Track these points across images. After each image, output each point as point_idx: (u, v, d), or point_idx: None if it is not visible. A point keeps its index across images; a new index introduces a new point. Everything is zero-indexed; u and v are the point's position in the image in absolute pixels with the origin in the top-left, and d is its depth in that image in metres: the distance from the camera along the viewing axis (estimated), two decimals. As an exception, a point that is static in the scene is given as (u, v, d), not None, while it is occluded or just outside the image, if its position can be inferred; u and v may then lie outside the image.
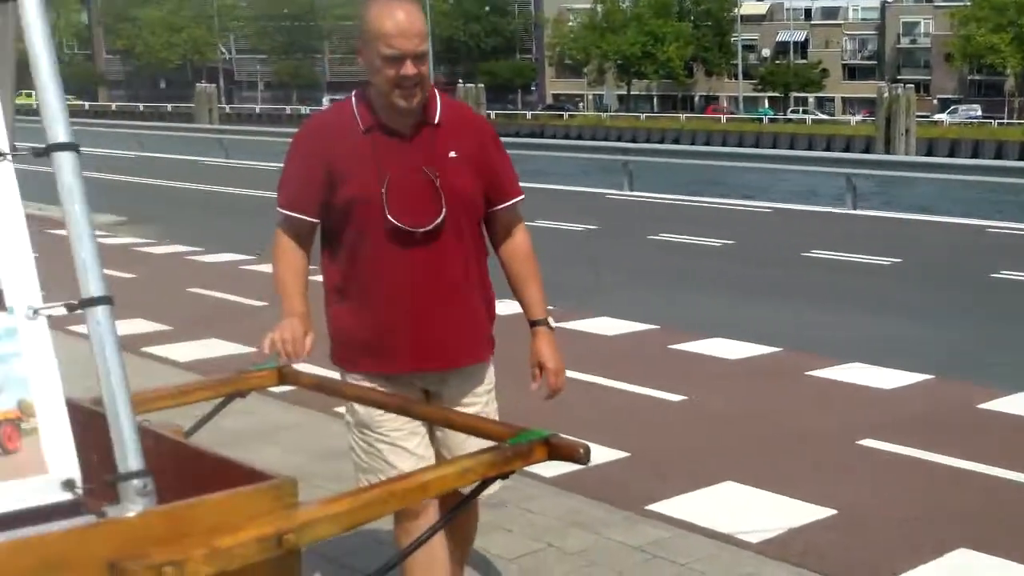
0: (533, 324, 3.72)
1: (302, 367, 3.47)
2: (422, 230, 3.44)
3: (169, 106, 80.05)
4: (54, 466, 2.20)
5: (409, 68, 3.31)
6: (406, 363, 3.53)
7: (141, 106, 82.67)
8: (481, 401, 3.70)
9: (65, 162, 2.22)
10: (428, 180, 3.45)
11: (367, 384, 3.53)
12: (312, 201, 3.53)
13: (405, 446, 3.55)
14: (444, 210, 3.46)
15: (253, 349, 9.54)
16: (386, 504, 2.45)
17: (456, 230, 3.52)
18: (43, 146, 2.22)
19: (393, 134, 3.46)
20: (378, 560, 4.76)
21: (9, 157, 2.27)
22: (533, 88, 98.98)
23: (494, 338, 3.80)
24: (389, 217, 3.41)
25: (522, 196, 3.71)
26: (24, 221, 2.27)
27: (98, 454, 2.34)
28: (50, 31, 2.23)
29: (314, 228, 3.63)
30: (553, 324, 3.71)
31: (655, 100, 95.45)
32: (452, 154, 3.49)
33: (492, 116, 62.15)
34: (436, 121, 3.50)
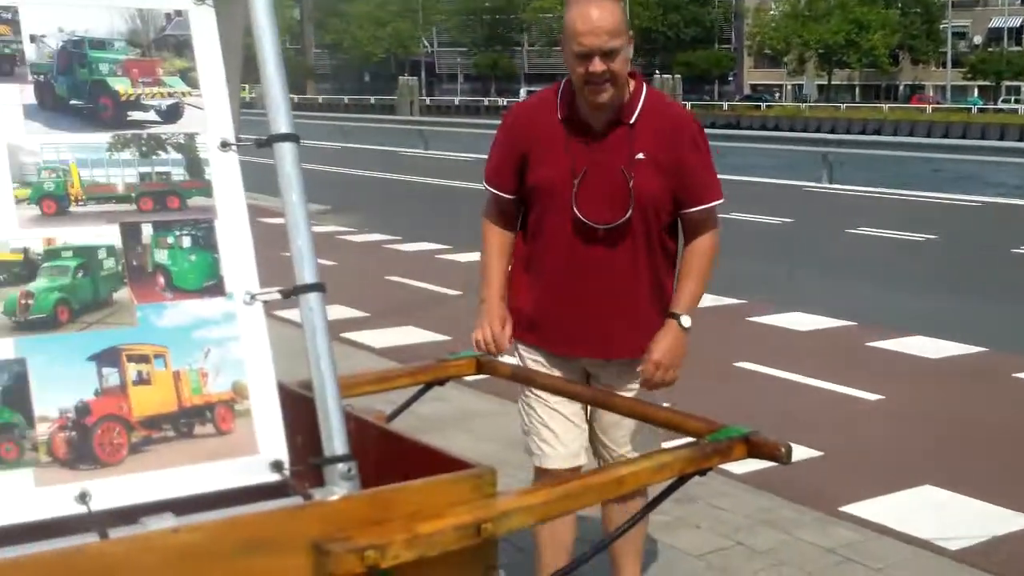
0: (668, 315, 3.65)
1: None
2: (605, 227, 3.54)
3: (372, 98, 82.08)
4: (264, 447, 2.28)
5: (596, 65, 3.37)
6: (560, 345, 3.68)
7: (346, 99, 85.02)
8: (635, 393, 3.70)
9: (286, 152, 2.31)
10: (620, 180, 3.51)
11: (533, 356, 3.74)
12: (508, 179, 3.70)
13: (559, 409, 3.73)
14: (630, 211, 3.52)
15: (448, 337, 9.74)
16: (582, 497, 2.46)
17: (636, 230, 3.57)
18: (265, 137, 2.31)
19: (587, 129, 3.55)
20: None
21: (235, 147, 2.37)
22: (730, 78, 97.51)
23: None
24: (575, 209, 3.52)
25: (718, 201, 3.65)
26: (246, 210, 2.36)
27: (302, 436, 2.41)
28: (277, 27, 2.32)
29: (515, 205, 3.76)
30: (687, 324, 3.59)
31: (856, 90, 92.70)
32: (640, 156, 3.52)
33: (688, 107, 61.48)
34: (631, 121, 3.54)
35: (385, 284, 12.46)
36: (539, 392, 3.71)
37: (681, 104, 3.94)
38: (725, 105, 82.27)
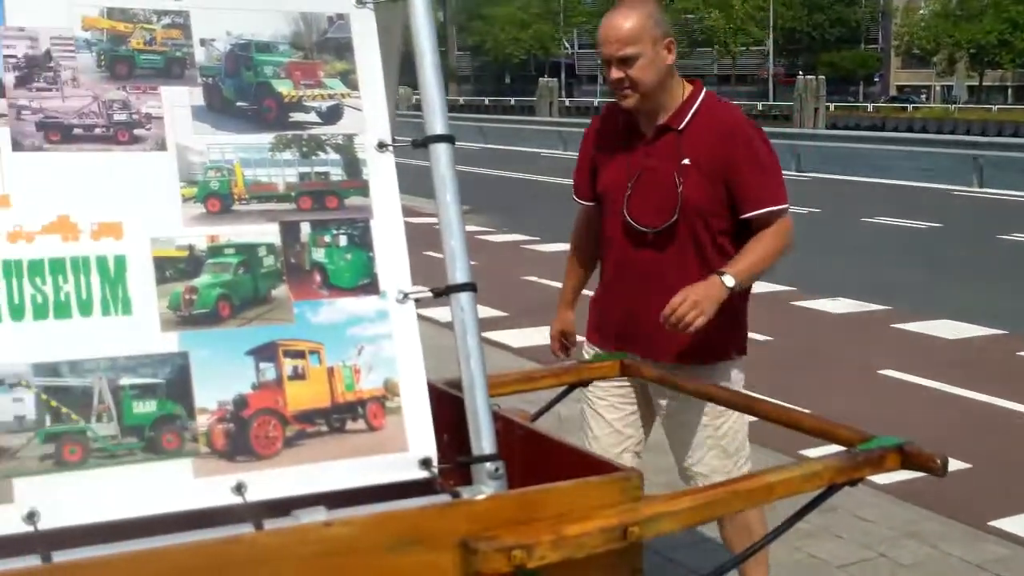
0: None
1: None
2: (652, 231, 3.60)
3: (512, 100, 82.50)
4: (414, 445, 2.31)
5: (613, 72, 3.52)
6: (613, 345, 3.75)
7: (487, 100, 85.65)
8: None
9: (441, 153, 2.35)
10: (669, 184, 3.56)
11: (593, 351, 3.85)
12: (586, 186, 3.87)
13: (604, 415, 3.87)
14: (676, 215, 3.55)
15: (583, 339, 9.73)
16: (729, 503, 2.43)
17: (684, 234, 3.59)
18: (421, 138, 2.35)
19: (641, 136, 3.65)
20: (697, 555, 4.75)
21: (391, 148, 2.41)
22: (876, 79, 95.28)
23: (730, 352, 3.79)
24: (625, 213, 3.61)
25: (778, 207, 3.59)
26: (400, 210, 2.40)
27: (448, 434, 2.44)
28: (435, 30, 2.35)
29: (597, 212, 3.86)
30: (729, 283, 3.45)
31: (1009, 91, 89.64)
32: (686, 161, 3.56)
33: (831, 108, 60.22)
34: (680, 127, 3.59)
35: (523, 284, 12.51)
36: (592, 393, 3.83)
37: (738, 108, 3.84)
38: (870, 107, 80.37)
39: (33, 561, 1.86)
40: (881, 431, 2.64)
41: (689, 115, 3.59)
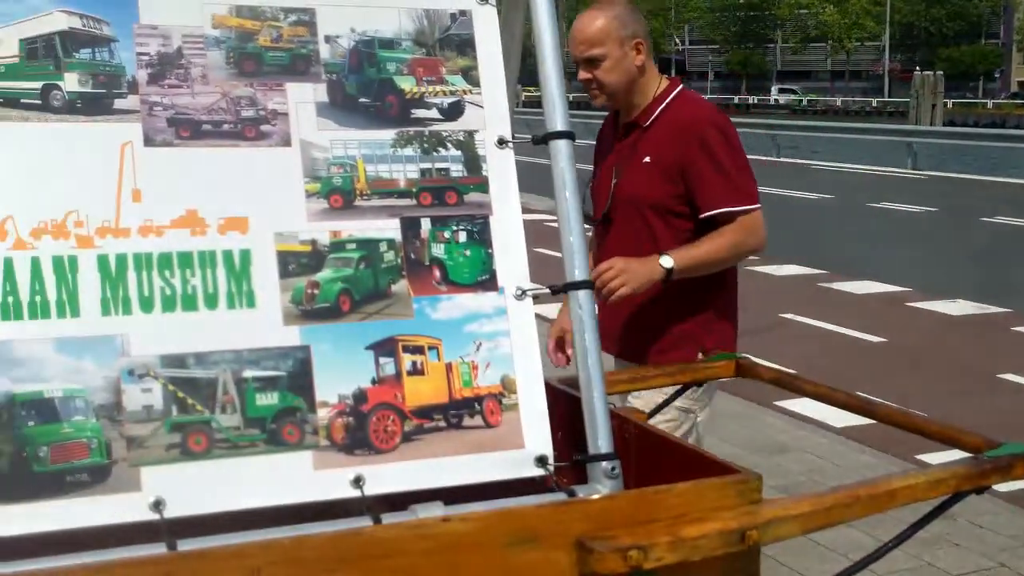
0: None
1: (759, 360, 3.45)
2: (592, 222, 3.66)
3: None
4: (530, 442, 2.31)
5: (580, 73, 3.60)
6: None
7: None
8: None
9: (561, 149, 2.34)
10: (610, 181, 3.64)
11: None
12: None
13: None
14: (607, 208, 3.64)
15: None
16: (850, 509, 2.37)
17: (631, 232, 3.59)
18: (541, 134, 2.34)
19: (616, 131, 3.74)
20: (809, 561, 4.67)
21: (511, 144, 2.41)
22: (996, 75, 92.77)
23: (694, 351, 3.65)
24: (586, 204, 3.60)
25: (736, 208, 3.52)
26: (519, 207, 2.40)
27: (562, 432, 2.43)
28: (557, 26, 2.35)
29: None
30: (666, 264, 3.40)
31: None
32: (646, 159, 3.57)
33: (949, 105, 58.76)
34: (646, 124, 3.61)
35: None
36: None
37: (710, 106, 3.75)
38: (990, 103, 78.35)
39: (159, 549, 1.89)
40: (1001, 438, 2.56)
41: (656, 113, 3.62)
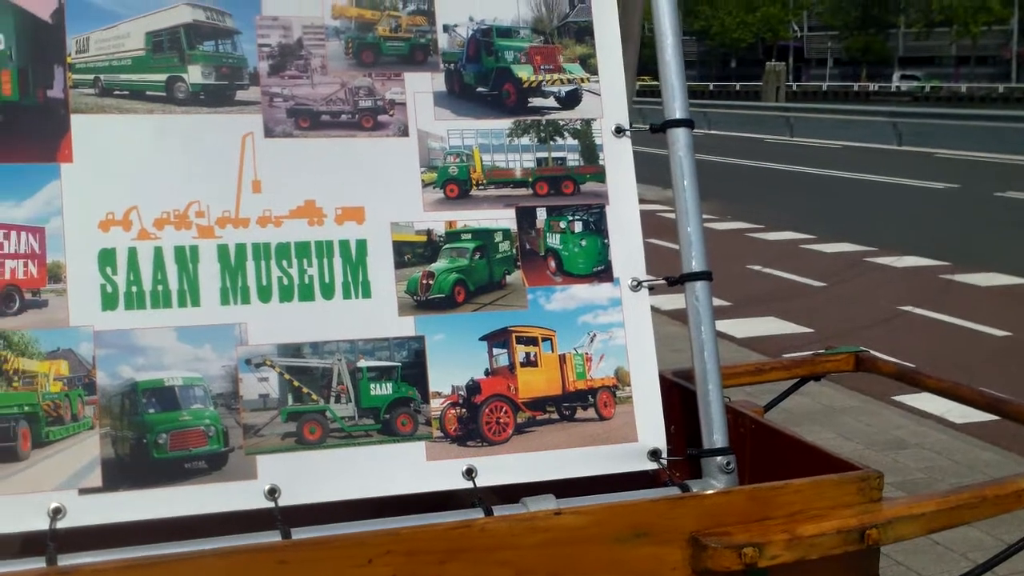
0: None
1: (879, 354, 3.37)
2: None
3: (737, 85, 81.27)
4: (644, 435, 2.28)
5: None
6: None
7: (711, 85, 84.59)
8: None
9: (680, 138, 2.31)
10: None
11: None
12: None
13: None
14: None
15: (810, 330, 9.50)
16: (976, 510, 2.29)
17: None
18: (660, 123, 2.31)
19: None
20: (926, 560, 4.55)
21: (628, 133, 2.38)
22: None
23: None
24: None
25: None
26: (636, 197, 2.37)
27: (675, 425, 2.40)
28: (678, 14, 2.31)
29: None
30: None
31: None
32: None
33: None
34: None
35: (747, 273, 12.30)
36: None
37: None
38: None
39: (273, 536, 1.91)
40: None
41: None
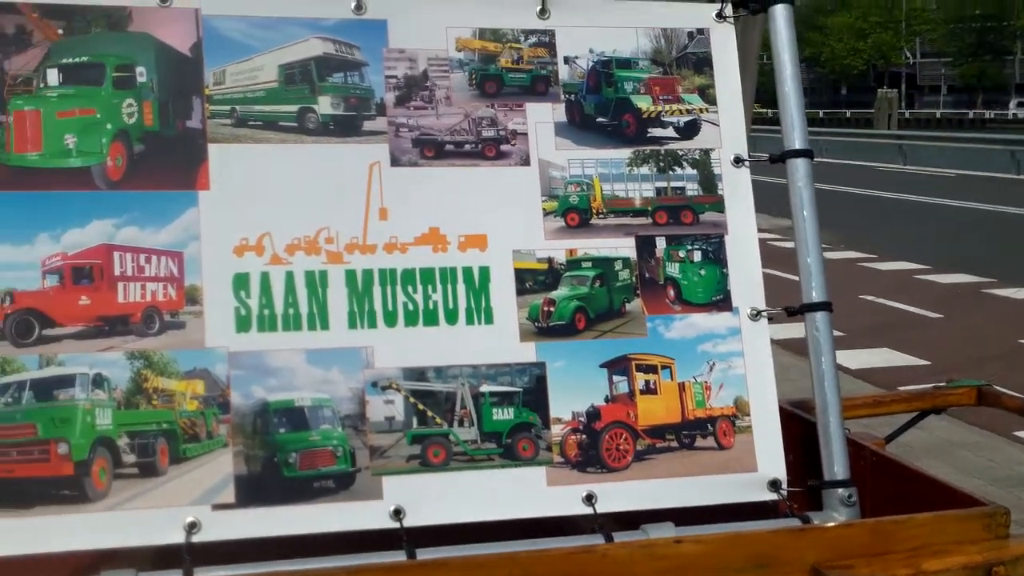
0: None
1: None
2: None
3: (848, 112, 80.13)
4: (763, 465, 2.27)
5: None
6: None
7: (821, 113, 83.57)
8: None
9: (800, 168, 2.32)
10: None
11: None
12: None
13: None
14: None
15: (926, 362, 9.31)
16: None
17: None
18: (779, 153, 2.32)
19: None
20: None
21: (747, 163, 2.39)
22: None
23: None
24: None
25: None
26: (755, 226, 2.37)
27: (792, 455, 2.38)
28: (796, 44, 2.32)
29: None
30: None
31: None
32: None
33: None
34: None
35: (860, 303, 12.10)
36: None
37: None
38: None
39: (399, 557, 1.95)
40: None
41: None
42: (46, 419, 2.01)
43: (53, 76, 2.10)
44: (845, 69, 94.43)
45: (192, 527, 1.99)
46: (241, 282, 2.12)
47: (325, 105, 2.22)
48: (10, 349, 2.01)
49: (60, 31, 2.12)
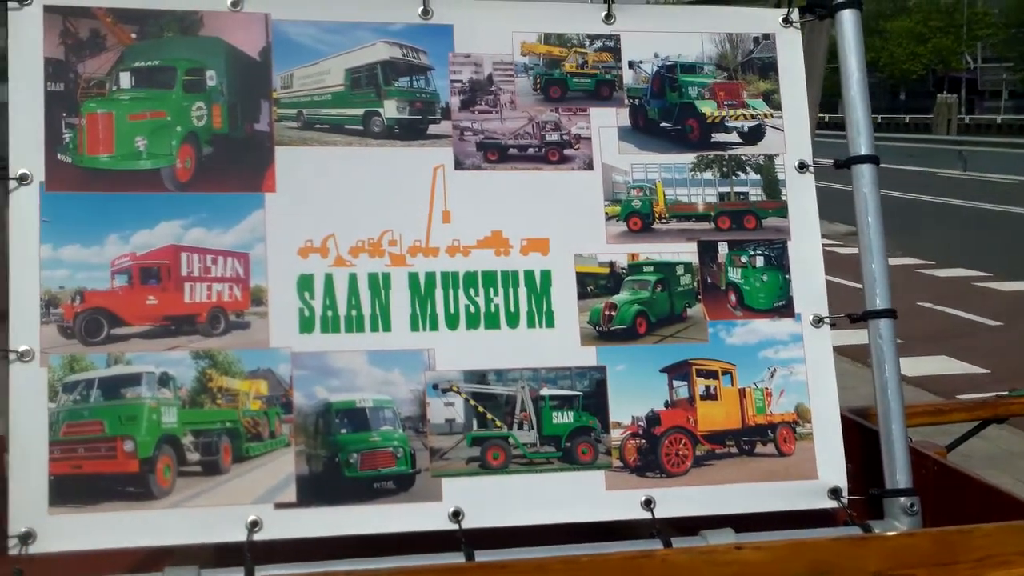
0: None
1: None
2: None
3: (907, 117, 79.30)
4: (824, 473, 2.26)
5: None
6: None
7: (879, 118, 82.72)
8: None
9: (865, 174, 2.30)
10: None
11: None
12: None
13: None
14: None
15: (985, 370, 9.20)
16: None
17: None
18: (844, 159, 2.31)
19: None
20: None
21: (811, 169, 2.38)
22: None
23: None
24: None
25: None
26: (819, 232, 2.36)
27: (852, 463, 2.36)
28: (863, 49, 2.31)
29: None
30: None
31: None
32: None
33: None
34: None
35: (917, 310, 11.98)
36: None
37: None
38: None
39: (457, 558, 1.96)
40: None
41: None
42: (113, 417, 2.04)
43: (126, 79, 2.14)
44: (904, 74, 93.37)
45: (254, 525, 2.01)
46: (305, 283, 2.14)
47: (390, 109, 2.24)
48: (79, 347, 2.04)
49: (133, 35, 2.15)
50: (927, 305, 12.25)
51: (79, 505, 1.99)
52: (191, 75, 2.16)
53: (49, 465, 2.00)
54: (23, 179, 2.06)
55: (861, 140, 2.31)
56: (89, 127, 2.10)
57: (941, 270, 14.75)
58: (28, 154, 2.07)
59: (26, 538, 1.96)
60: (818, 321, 2.31)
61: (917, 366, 9.27)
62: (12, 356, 2.01)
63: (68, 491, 1.99)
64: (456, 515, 2.08)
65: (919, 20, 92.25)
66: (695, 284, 2.29)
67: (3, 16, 2.12)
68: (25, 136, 2.07)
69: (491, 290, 2.20)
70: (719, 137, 2.37)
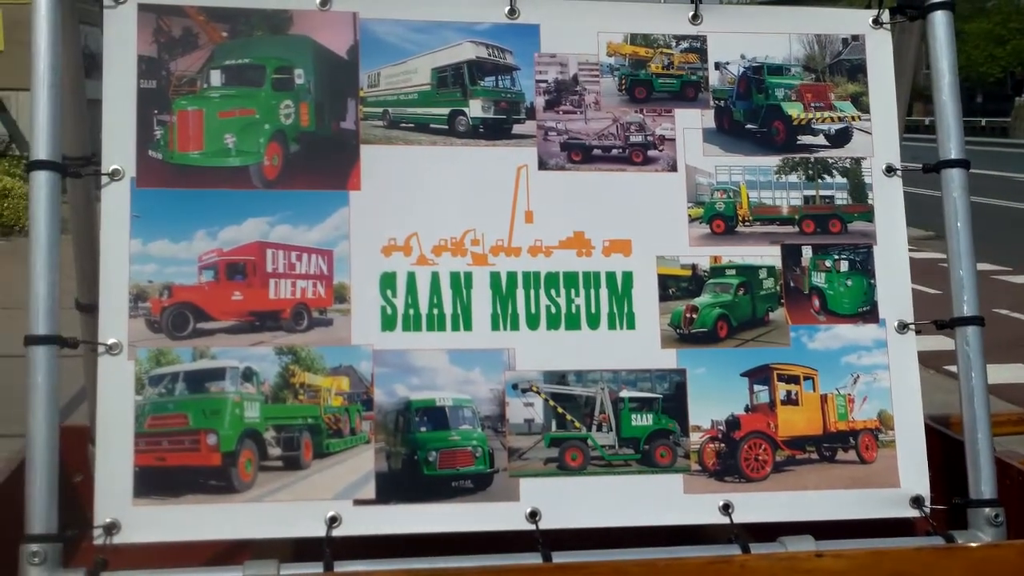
0: None
1: None
2: None
3: (983, 120, 77.98)
4: (906, 481, 2.23)
5: None
6: None
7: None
8: None
9: (955, 179, 2.27)
10: None
11: None
12: None
13: None
14: None
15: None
16: None
17: None
18: (934, 163, 2.28)
19: None
20: None
21: (899, 173, 2.35)
22: None
23: None
24: None
25: None
26: (905, 237, 2.33)
27: (932, 472, 2.32)
28: (955, 51, 2.27)
29: None
30: None
31: None
32: None
33: None
34: None
35: (994, 317, 11.75)
36: None
37: None
38: None
39: (534, 559, 1.96)
40: None
41: None
42: (197, 410, 2.07)
43: (216, 77, 2.16)
44: (981, 76, 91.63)
45: (333, 521, 2.03)
46: (388, 281, 2.15)
47: (476, 108, 2.25)
48: (166, 341, 2.07)
49: (224, 33, 2.18)
50: (1004, 312, 12.00)
51: (162, 497, 2.02)
52: (280, 73, 2.18)
53: (134, 457, 2.03)
54: (115, 175, 2.09)
55: (951, 144, 2.28)
56: (180, 124, 2.13)
57: (1018, 276, 14.46)
58: (120, 150, 2.10)
59: (110, 529, 1.99)
60: (903, 327, 2.28)
61: (994, 373, 8.95)
62: (101, 349, 2.05)
63: (152, 483, 2.02)
64: (533, 516, 2.08)
65: (998, 22, 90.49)
66: (778, 288, 2.27)
67: (93, 17, 2.16)
68: (117, 133, 2.11)
69: (572, 291, 2.20)
70: (805, 139, 2.34)
